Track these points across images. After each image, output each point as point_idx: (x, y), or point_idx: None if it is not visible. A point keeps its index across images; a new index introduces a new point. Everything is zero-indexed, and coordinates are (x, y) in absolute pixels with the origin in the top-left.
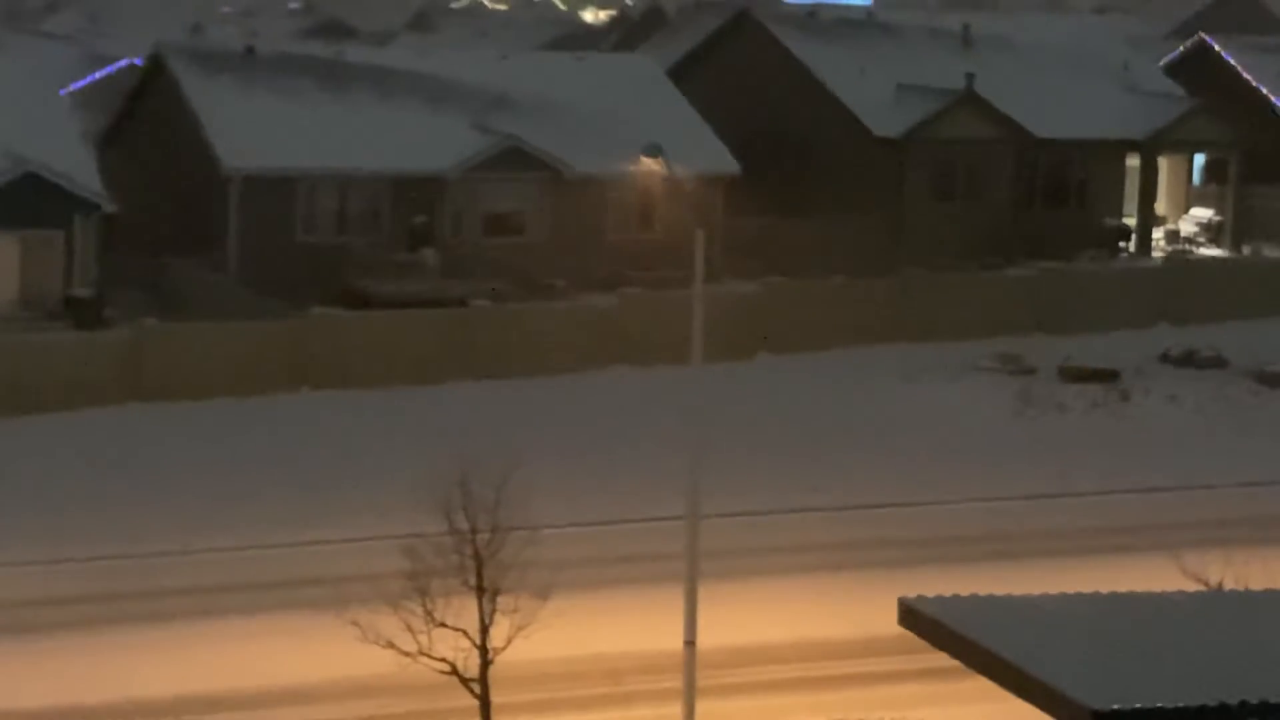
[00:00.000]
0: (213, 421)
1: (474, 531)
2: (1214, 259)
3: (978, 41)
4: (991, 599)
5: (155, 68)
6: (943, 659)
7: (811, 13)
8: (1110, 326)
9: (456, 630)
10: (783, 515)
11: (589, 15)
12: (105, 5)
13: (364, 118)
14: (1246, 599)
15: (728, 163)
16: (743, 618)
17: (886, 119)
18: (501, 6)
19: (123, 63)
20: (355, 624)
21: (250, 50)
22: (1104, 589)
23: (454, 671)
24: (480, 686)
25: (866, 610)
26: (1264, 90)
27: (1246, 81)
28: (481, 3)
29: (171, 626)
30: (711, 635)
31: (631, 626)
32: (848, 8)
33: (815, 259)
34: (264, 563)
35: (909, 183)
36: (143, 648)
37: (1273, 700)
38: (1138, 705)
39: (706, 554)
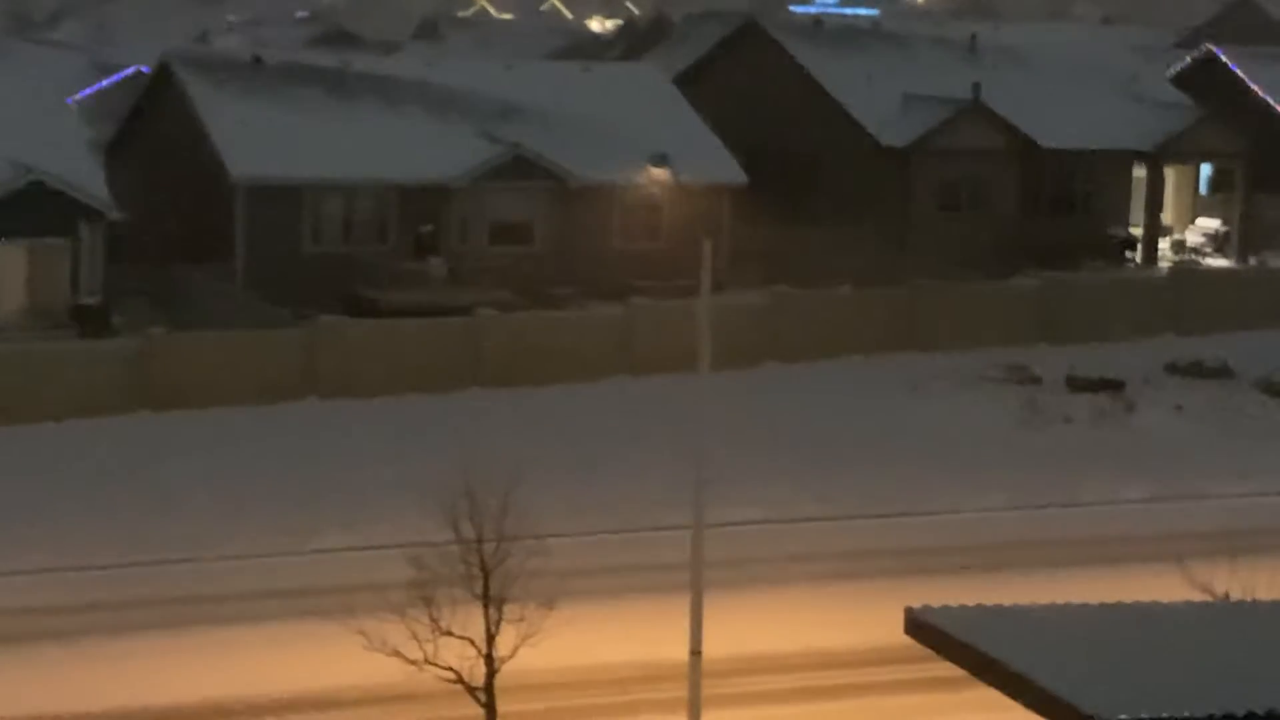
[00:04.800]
0: (220, 430)
1: (480, 540)
2: (1220, 269)
3: (984, 51)
4: (998, 608)
5: (162, 77)
6: (948, 668)
7: (818, 22)
8: (1116, 337)
9: (463, 639)
10: (789, 525)
11: (595, 25)
12: (112, 14)
13: (370, 127)
14: (1252, 609)
15: (734, 172)
16: (748, 627)
17: (893, 129)
18: (507, 16)
19: (129, 71)
20: (362, 633)
21: (257, 59)
22: (1109, 599)
23: (460, 680)
24: (486, 695)
25: (873, 620)
26: (1270, 100)
27: (1253, 91)
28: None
29: (178, 635)
30: (717, 645)
31: (637, 636)
32: (854, 17)
33: (822, 268)
34: (271, 571)
35: (915, 192)
36: (149, 656)
37: (1278, 711)
38: (1144, 715)
39: (712, 563)
